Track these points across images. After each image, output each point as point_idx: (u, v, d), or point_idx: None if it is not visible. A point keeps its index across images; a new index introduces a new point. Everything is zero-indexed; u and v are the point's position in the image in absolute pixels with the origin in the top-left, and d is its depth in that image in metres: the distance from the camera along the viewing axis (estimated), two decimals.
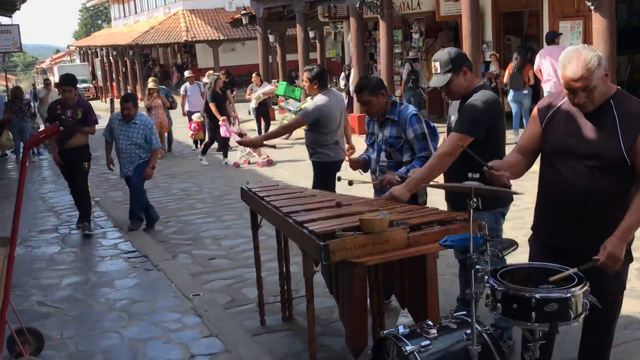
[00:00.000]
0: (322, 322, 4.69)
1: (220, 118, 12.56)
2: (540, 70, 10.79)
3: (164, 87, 14.99)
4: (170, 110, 14.20)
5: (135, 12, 43.23)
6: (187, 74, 15.40)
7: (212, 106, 12.54)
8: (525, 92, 11.49)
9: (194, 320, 4.99)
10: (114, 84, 36.63)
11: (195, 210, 8.87)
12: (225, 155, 12.74)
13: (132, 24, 41.71)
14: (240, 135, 12.84)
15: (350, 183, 4.49)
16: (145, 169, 7.65)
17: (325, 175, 6.01)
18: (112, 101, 23.75)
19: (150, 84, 13.97)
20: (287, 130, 7.20)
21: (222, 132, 12.60)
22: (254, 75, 15.94)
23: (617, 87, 3.11)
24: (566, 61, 2.96)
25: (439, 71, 3.86)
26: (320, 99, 5.99)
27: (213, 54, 30.41)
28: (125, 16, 46.07)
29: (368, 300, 3.83)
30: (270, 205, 4.10)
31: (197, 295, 5.47)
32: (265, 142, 6.17)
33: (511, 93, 11.65)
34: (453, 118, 4.04)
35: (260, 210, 4.44)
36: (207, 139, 13.50)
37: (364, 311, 3.49)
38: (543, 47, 11.66)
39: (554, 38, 10.98)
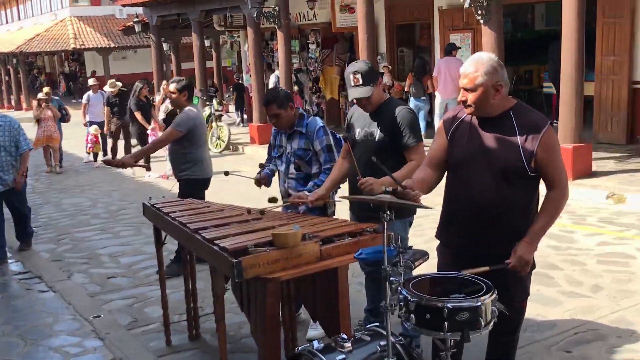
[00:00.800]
0: (231, 339, 4.58)
1: (149, 127, 11.99)
2: (437, 79, 11.59)
3: (57, 97, 14.24)
4: (62, 123, 13.49)
5: (19, 19, 41.09)
6: (91, 82, 14.58)
7: (138, 115, 11.96)
8: (424, 98, 12.35)
9: (95, 343, 4.76)
10: None
11: (90, 226, 8.49)
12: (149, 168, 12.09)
13: (15, 30, 39.60)
14: None
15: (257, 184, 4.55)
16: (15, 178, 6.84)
17: (193, 192, 5.79)
18: None
19: (41, 94, 13.21)
20: (160, 145, 6.61)
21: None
22: (164, 83, 15.25)
23: (517, 99, 3.25)
24: (468, 61, 3.13)
25: (360, 82, 3.90)
26: (191, 109, 6.03)
27: (103, 61, 29.42)
28: (7, 22, 43.69)
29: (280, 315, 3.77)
30: (177, 221, 3.97)
31: (97, 316, 5.22)
32: (137, 162, 5.89)
33: (412, 100, 12.37)
34: (359, 130, 4.08)
35: (164, 227, 4.29)
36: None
37: (277, 327, 3.44)
38: (436, 58, 12.18)
39: (451, 50, 11.75)
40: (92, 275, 6.43)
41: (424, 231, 6.48)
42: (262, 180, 4.81)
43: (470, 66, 3.08)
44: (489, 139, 3.13)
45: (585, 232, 6.72)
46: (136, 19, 19.51)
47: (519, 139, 3.07)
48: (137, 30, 19.83)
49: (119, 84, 14.19)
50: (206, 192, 6.20)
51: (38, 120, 12.63)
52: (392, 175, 3.14)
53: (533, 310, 4.77)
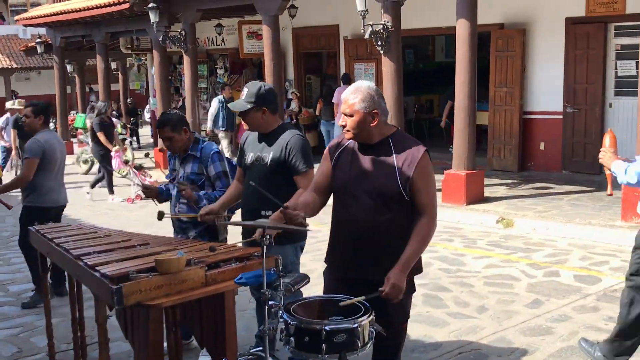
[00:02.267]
0: None
1: (113, 149, 11.36)
2: (337, 105, 12.08)
3: None
4: None
5: None
6: (13, 104, 13.84)
7: (101, 136, 11.21)
8: (333, 122, 12.84)
9: None
10: None
11: None
12: (112, 192, 11.51)
13: None
14: (137, 167, 11.80)
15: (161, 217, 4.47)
16: None
17: (28, 222, 5.31)
18: None
19: None
20: (23, 180, 5.91)
21: (115, 164, 11.38)
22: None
23: (397, 127, 3.40)
24: (349, 88, 3.27)
25: (243, 97, 3.98)
26: (42, 135, 5.87)
27: (5, 82, 28.28)
28: None
29: (165, 342, 3.73)
30: (60, 247, 3.87)
31: None
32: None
33: (323, 122, 13.13)
34: (252, 155, 4.12)
35: (49, 253, 4.18)
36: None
37: (160, 354, 3.40)
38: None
39: (348, 79, 12.33)
40: None
41: (323, 255, 6.55)
42: (152, 191, 4.78)
43: (349, 93, 3.21)
44: (368, 164, 3.25)
45: (474, 255, 7.01)
46: (39, 40, 18.91)
47: (396, 165, 3.19)
48: (39, 51, 19.20)
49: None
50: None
51: None
52: (273, 198, 3.18)
53: (421, 331, 4.93)
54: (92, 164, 14.48)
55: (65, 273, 5.00)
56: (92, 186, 11.63)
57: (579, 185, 9.63)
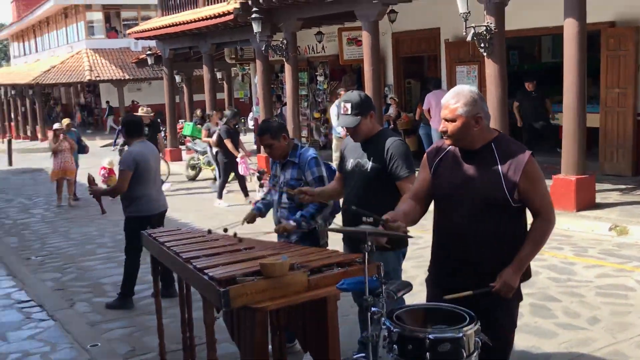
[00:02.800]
0: None
1: (239, 155, 11.73)
2: (429, 110, 12.22)
3: (74, 129, 14.28)
4: (80, 154, 13.50)
5: (36, 51, 41.92)
6: (142, 111, 14.43)
7: (228, 143, 11.57)
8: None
9: None
10: (13, 124, 35.24)
11: (95, 255, 8.57)
12: (247, 195, 11.88)
13: (32, 62, 40.35)
14: (260, 172, 12.26)
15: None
16: None
17: (133, 231, 5.64)
18: (9, 142, 22.73)
19: (57, 125, 13.12)
20: (120, 189, 6.21)
21: (241, 170, 11.83)
22: (213, 112, 14.54)
23: (499, 131, 3.30)
24: (449, 92, 3.20)
25: (349, 112, 3.99)
26: (135, 146, 6.13)
27: (118, 93, 29.84)
28: (25, 54, 44.60)
29: (270, 345, 3.80)
30: (171, 250, 4.03)
31: (94, 345, 5.25)
32: (101, 199, 6.13)
33: (422, 126, 12.94)
34: (352, 161, 4.15)
35: (160, 256, 4.36)
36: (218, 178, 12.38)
37: (265, 357, 3.47)
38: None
39: (439, 84, 12.49)
40: (94, 304, 6.48)
41: (426, 262, 6.46)
42: (251, 220, 4.94)
43: (451, 98, 3.15)
44: (471, 171, 3.17)
45: (585, 264, 6.70)
46: (149, 52, 19.82)
47: (500, 171, 3.09)
48: (150, 62, 20.11)
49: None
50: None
51: (55, 152, 12.67)
52: (372, 215, 3.19)
53: (528, 342, 4.77)
54: (200, 170, 14.98)
55: (175, 275, 5.18)
56: (220, 196, 11.85)
57: None
